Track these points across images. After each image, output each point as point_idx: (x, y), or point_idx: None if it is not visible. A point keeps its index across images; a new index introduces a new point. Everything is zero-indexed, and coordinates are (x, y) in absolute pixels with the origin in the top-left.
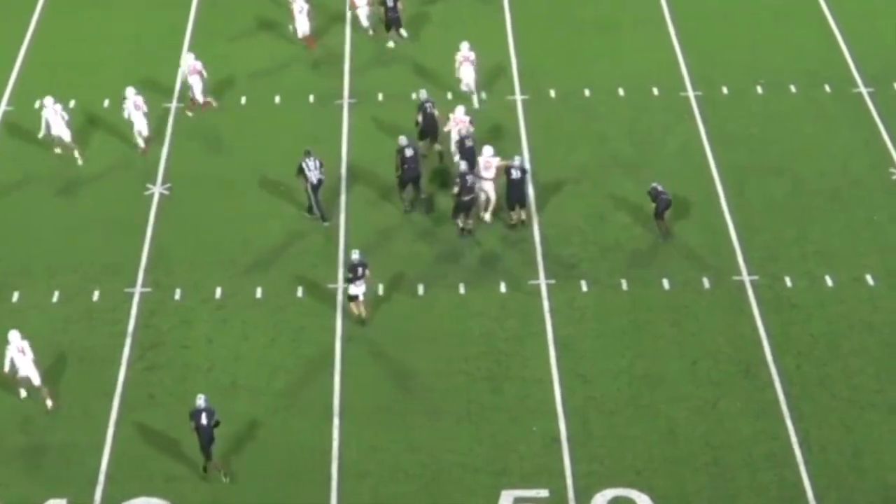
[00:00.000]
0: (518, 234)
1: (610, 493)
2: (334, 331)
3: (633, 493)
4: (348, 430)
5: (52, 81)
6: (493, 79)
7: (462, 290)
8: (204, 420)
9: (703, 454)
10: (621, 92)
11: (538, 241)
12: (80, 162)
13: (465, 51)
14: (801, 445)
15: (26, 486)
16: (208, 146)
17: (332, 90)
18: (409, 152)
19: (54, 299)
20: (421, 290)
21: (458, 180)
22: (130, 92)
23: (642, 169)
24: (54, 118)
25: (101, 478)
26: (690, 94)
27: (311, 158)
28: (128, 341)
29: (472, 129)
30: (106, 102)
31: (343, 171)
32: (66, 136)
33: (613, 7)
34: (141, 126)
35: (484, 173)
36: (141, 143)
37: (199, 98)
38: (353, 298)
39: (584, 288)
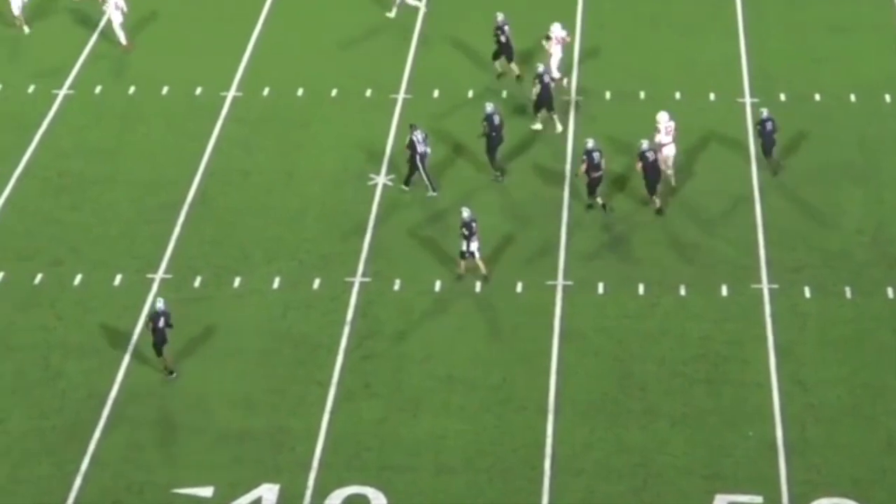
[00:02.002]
0: (739, 237)
1: (826, 501)
2: (552, 327)
3: (849, 503)
4: (562, 427)
5: (280, 70)
6: (723, 80)
7: (682, 291)
8: (161, 323)
9: None
10: (853, 98)
11: (762, 244)
12: (25, 31)
13: None
14: None
15: (240, 469)
16: (435, 138)
17: (559, 90)
18: (496, 119)
19: (275, 286)
20: (641, 289)
21: (584, 157)
22: None
23: (871, 177)
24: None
25: (315, 464)
26: None
27: (419, 131)
28: (346, 330)
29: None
30: (334, 92)
31: (567, 169)
32: (17, 9)
33: (847, 10)
34: (117, 23)
35: (665, 139)
36: (122, 39)
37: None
38: (471, 255)
39: (808, 294)
